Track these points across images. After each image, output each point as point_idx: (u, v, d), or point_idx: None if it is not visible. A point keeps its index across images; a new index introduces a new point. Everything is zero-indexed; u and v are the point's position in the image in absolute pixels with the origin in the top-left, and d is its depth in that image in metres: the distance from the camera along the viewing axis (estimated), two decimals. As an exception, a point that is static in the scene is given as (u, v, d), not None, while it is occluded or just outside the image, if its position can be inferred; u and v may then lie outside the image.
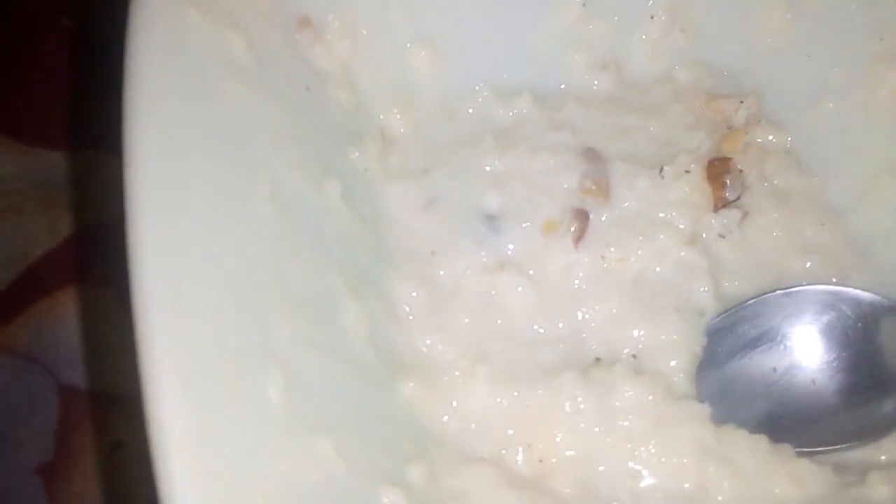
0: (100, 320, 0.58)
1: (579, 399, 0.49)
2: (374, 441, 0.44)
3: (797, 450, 0.48)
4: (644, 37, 0.62)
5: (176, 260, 0.37)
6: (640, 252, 0.55)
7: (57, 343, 0.56)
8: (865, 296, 0.52)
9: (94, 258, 0.59)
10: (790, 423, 0.50)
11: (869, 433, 0.48)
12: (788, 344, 0.52)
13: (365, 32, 0.57)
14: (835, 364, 0.50)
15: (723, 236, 0.56)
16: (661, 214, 0.56)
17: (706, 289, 0.54)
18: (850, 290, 0.52)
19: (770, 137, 0.60)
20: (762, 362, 0.52)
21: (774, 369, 0.52)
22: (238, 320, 0.38)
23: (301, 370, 0.41)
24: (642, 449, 0.48)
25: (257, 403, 0.37)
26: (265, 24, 0.50)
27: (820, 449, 0.48)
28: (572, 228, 0.55)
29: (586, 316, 0.54)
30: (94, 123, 0.63)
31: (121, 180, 0.39)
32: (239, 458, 0.34)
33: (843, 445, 0.48)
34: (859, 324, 0.51)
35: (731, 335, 0.53)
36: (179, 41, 0.43)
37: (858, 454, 0.48)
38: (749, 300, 0.54)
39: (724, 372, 0.52)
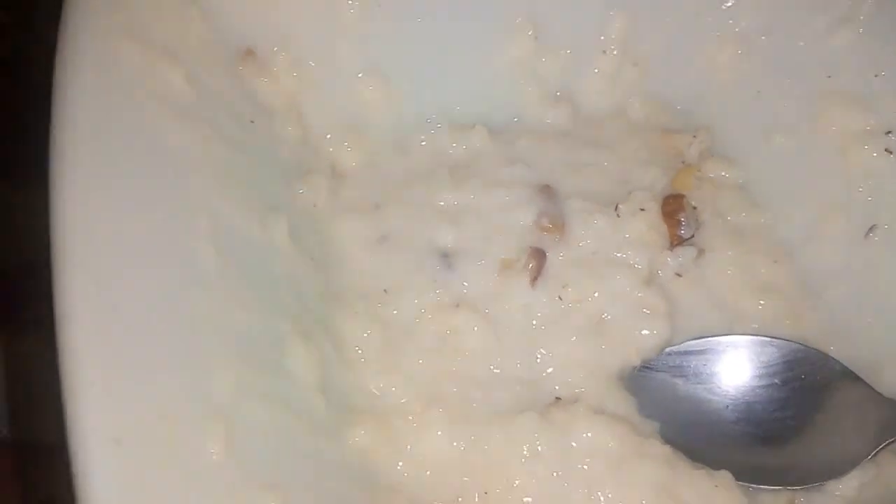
0: (28, 366, 0.54)
1: (537, 442, 0.48)
2: (325, 494, 0.42)
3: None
4: (597, 70, 0.61)
5: (107, 309, 0.35)
6: (597, 293, 0.54)
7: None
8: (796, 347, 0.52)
9: (21, 299, 0.55)
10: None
11: (812, 477, 0.48)
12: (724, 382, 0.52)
13: (312, 64, 0.56)
14: (771, 410, 0.50)
15: (679, 275, 0.56)
16: (617, 254, 0.55)
17: (665, 331, 0.53)
18: (783, 340, 0.53)
19: (723, 173, 0.60)
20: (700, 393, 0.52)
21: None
22: (176, 374, 0.36)
23: (246, 423, 0.38)
24: (599, 494, 0.47)
25: (197, 462, 0.34)
26: (205, 56, 0.48)
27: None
28: (529, 267, 0.54)
29: (544, 356, 0.53)
30: (20, 157, 0.59)
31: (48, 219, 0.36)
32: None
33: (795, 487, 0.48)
34: (793, 373, 0.51)
35: (674, 366, 0.53)
36: (112, 73, 0.40)
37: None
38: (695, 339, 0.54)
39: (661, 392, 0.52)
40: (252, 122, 0.51)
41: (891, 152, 0.53)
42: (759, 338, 0.53)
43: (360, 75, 0.57)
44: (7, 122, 0.60)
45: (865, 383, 0.49)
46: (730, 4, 0.59)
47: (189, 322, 0.38)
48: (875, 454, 0.47)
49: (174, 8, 0.47)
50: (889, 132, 0.54)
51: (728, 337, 0.53)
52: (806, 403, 0.50)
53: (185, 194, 0.42)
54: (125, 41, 0.41)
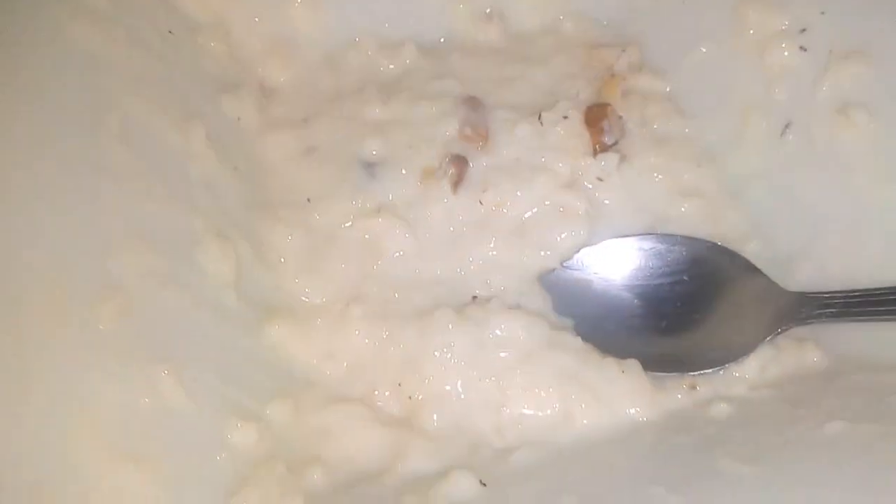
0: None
1: (451, 336, 0.50)
2: (230, 378, 0.44)
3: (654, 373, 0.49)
4: (527, -13, 0.62)
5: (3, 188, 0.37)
6: (517, 196, 0.55)
7: None
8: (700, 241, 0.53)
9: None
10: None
11: (709, 363, 0.49)
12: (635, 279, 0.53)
13: (239, -20, 0.57)
14: (678, 304, 0.52)
15: (601, 179, 0.56)
16: (539, 159, 0.56)
17: (584, 233, 0.55)
18: (693, 238, 0.54)
19: (650, 84, 0.60)
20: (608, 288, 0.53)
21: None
22: (69, 247, 0.38)
23: (144, 301, 0.40)
24: (507, 381, 0.48)
25: (84, 329, 0.36)
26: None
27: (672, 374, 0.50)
28: (450, 174, 0.55)
29: (464, 259, 0.54)
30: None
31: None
32: (61, 383, 0.34)
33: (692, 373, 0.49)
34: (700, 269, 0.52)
35: (589, 265, 0.54)
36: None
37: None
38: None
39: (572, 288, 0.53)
40: (170, 32, 0.52)
41: (805, 49, 0.54)
42: (670, 236, 0.54)
43: (288, -8, 0.58)
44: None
45: (767, 277, 0.51)
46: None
47: (90, 204, 0.40)
48: (771, 339, 0.48)
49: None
50: (804, 29, 0.54)
51: (641, 236, 0.54)
52: (710, 297, 0.51)
53: (93, 90, 0.44)
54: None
